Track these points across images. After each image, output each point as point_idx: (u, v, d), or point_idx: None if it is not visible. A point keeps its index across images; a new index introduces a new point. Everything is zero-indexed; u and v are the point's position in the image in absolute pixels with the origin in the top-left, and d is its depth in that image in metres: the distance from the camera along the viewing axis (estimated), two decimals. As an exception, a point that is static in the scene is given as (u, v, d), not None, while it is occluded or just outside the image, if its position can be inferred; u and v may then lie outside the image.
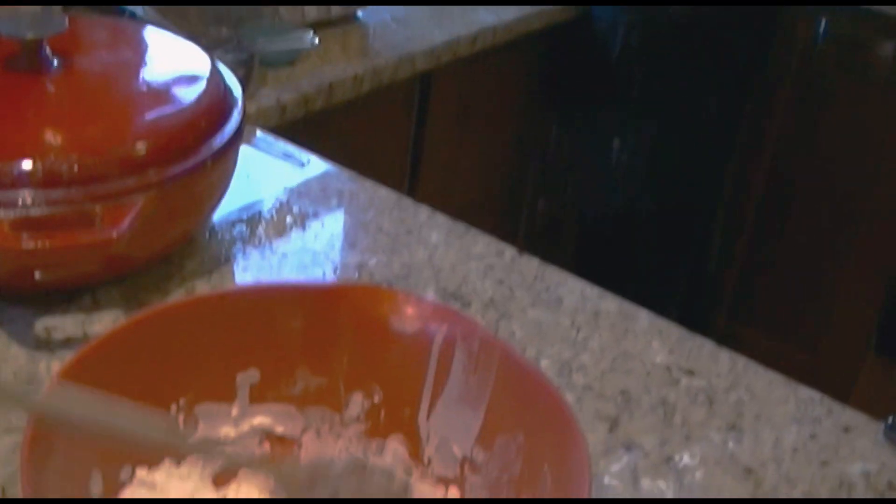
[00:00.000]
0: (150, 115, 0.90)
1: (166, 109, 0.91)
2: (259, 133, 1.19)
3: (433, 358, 0.64)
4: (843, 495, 0.76)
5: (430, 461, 0.65)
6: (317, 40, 1.65)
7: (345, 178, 1.11)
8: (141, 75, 0.95)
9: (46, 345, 0.80)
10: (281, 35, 1.65)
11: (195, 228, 0.95)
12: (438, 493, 0.65)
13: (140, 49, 1.00)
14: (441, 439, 0.65)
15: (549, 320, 0.90)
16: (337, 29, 1.80)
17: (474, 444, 0.63)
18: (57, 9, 1.03)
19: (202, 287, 0.89)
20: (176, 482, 0.63)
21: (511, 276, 0.96)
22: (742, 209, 2.34)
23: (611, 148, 2.29)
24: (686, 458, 0.77)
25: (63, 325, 0.83)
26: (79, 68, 0.91)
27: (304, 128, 1.51)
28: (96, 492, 0.59)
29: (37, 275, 0.82)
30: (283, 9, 1.70)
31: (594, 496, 0.54)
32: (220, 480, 0.65)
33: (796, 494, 0.75)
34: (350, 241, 1.00)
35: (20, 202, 0.79)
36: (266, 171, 1.10)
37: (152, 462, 0.62)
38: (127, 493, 0.61)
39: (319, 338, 0.65)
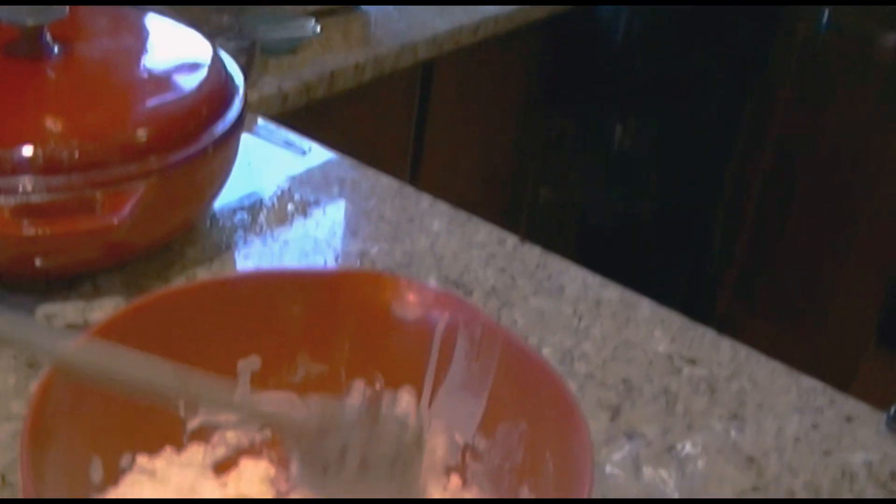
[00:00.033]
0: (152, 102, 0.90)
1: (167, 96, 0.91)
2: (260, 121, 1.18)
3: (435, 345, 0.63)
4: (846, 485, 0.75)
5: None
6: (318, 28, 1.65)
7: (346, 167, 1.10)
8: (142, 62, 0.95)
9: (47, 331, 0.80)
10: (282, 23, 1.64)
11: (196, 216, 0.94)
12: (440, 481, 0.64)
13: (141, 36, 1.00)
14: (443, 427, 0.64)
15: (551, 309, 0.90)
16: (338, 17, 1.79)
17: (476, 432, 0.62)
18: None
19: (203, 274, 0.89)
20: (176, 469, 0.63)
21: (513, 264, 0.96)
22: (744, 201, 2.34)
23: (613, 137, 2.28)
24: (688, 447, 0.77)
25: (63, 312, 0.82)
26: (79, 55, 0.91)
27: (305, 116, 1.50)
28: (96, 479, 0.58)
29: (37, 261, 0.82)
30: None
31: (596, 485, 0.54)
32: (220, 468, 0.65)
33: (798, 484, 0.75)
34: (352, 229, 1.00)
35: (21, 189, 0.78)
36: (267, 159, 1.10)
37: (153, 449, 0.62)
38: (127, 481, 0.60)
39: (321, 325, 0.64)
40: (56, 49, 0.88)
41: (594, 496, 0.52)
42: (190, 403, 0.63)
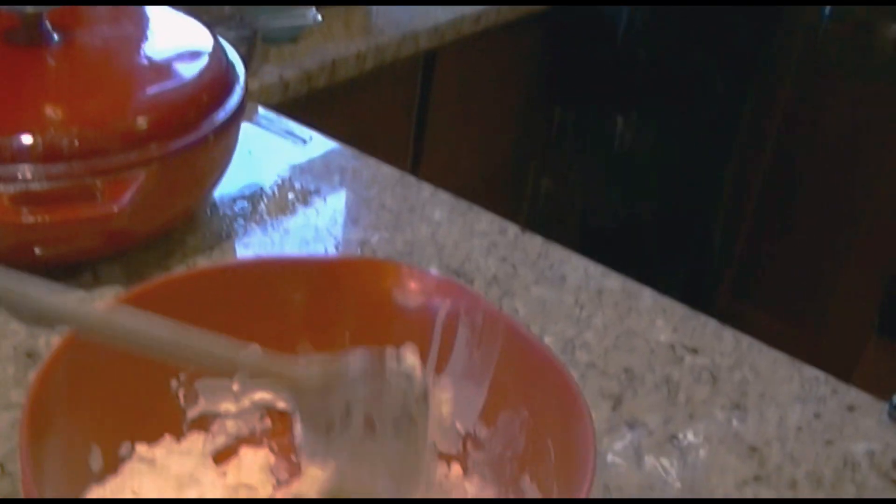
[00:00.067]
0: (152, 90, 0.89)
1: (168, 84, 0.90)
2: (261, 110, 1.18)
3: (436, 333, 0.63)
4: (847, 474, 0.75)
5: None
6: (320, 17, 1.65)
7: (347, 155, 1.10)
8: (142, 50, 0.95)
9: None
10: (284, 12, 1.64)
11: (197, 204, 0.94)
12: (440, 470, 0.64)
13: (141, 24, 0.99)
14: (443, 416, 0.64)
15: (553, 298, 0.90)
16: (340, 6, 1.79)
17: (477, 420, 0.62)
18: None
19: (203, 263, 0.89)
20: (176, 458, 0.63)
21: (514, 253, 0.95)
22: (745, 193, 2.33)
23: (614, 129, 2.28)
24: (690, 437, 0.77)
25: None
26: (79, 42, 0.91)
27: (306, 105, 1.50)
28: (96, 467, 0.58)
29: (37, 250, 0.82)
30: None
31: (597, 474, 0.54)
32: (220, 457, 0.64)
33: (800, 473, 0.75)
34: (352, 218, 1.00)
35: (20, 176, 0.78)
36: (268, 148, 1.09)
37: (152, 438, 0.62)
38: (126, 469, 0.60)
39: (322, 312, 0.64)
40: (56, 36, 0.88)
41: (595, 485, 0.51)
42: (189, 381, 0.62)
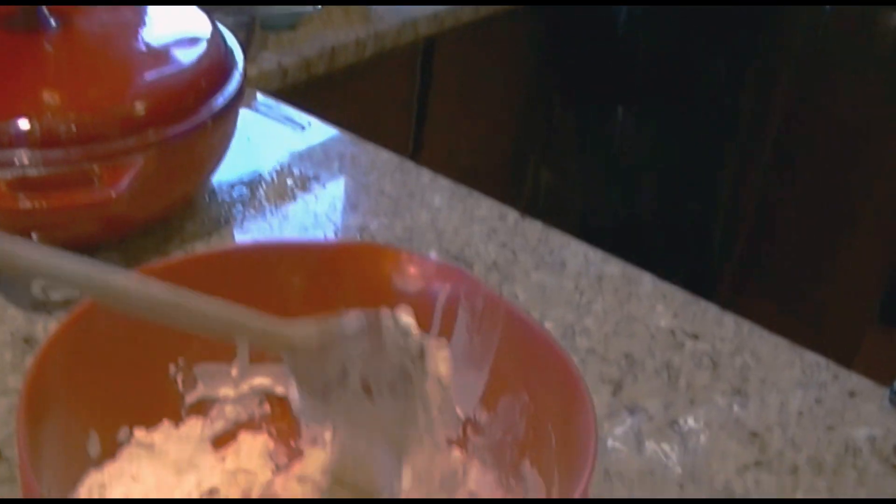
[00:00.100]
0: (150, 76, 0.89)
1: (166, 70, 0.90)
2: (260, 97, 1.18)
3: (436, 318, 0.62)
4: (849, 460, 0.75)
5: (432, 423, 0.64)
6: (319, 4, 1.64)
7: (346, 142, 1.10)
8: (140, 36, 0.94)
9: (44, 306, 0.79)
10: (283, -2, 1.63)
11: (195, 190, 0.94)
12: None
13: (140, 10, 0.99)
14: (444, 400, 0.64)
15: (553, 284, 0.90)
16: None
17: (478, 405, 0.62)
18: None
19: (202, 249, 0.88)
20: (174, 443, 0.62)
21: (514, 239, 0.95)
22: (747, 182, 2.33)
23: (615, 119, 2.27)
24: (691, 422, 0.76)
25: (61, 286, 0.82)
26: (78, 28, 0.90)
27: (305, 92, 1.49)
28: (94, 453, 0.58)
29: (34, 236, 0.81)
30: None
31: (598, 459, 0.54)
32: (219, 442, 0.64)
33: (802, 459, 0.75)
34: (352, 204, 0.99)
35: (17, 162, 0.78)
36: (267, 135, 1.09)
37: (150, 423, 0.62)
38: (125, 455, 0.60)
39: (321, 297, 0.63)
40: (53, 22, 0.87)
41: (596, 470, 0.51)
42: (188, 365, 0.62)
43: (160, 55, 0.92)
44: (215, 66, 0.91)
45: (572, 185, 2.36)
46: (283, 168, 1.02)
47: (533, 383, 0.59)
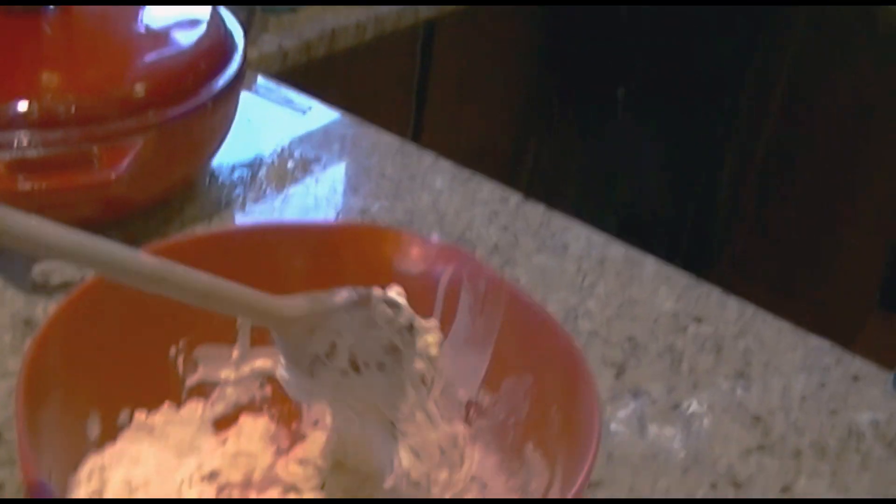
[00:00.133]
0: (150, 57, 0.89)
1: (166, 51, 0.90)
2: (260, 79, 1.17)
3: (438, 300, 0.62)
4: (852, 444, 0.75)
5: (434, 405, 0.64)
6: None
7: (347, 124, 1.09)
8: (140, 17, 0.93)
9: (44, 288, 0.79)
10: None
11: (195, 172, 0.93)
12: (447, 429, 0.63)
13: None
14: (446, 382, 0.63)
15: (555, 266, 0.89)
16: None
17: (480, 387, 0.62)
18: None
19: (202, 230, 0.88)
20: (175, 427, 0.62)
21: (516, 222, 0.95)
22: (747, 166, 2.32)
23: (616, 98, 2.27)
24: (694, 406, 0.76)
25: (61, 268, 0.81)
26: (77, 9, 0.89)
27: (306, 75, 1.49)
28: (94, 435, 0.58)
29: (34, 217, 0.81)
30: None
31: (601, 442, 0.53)
32: (220, 424, 0.64)
33: (805, 443, 0.74)
34: (353, 186, 0.99)
35: (16, 143, 0.77)
36: (267, 117, 1.08)
37: (151, 405, 0.61)
38: (125, 437, 0.60)
39: (322, 279, 0.63)
40: (52, 3, 0.87)
41: (599, 453, 0.51)
42: (188, 348, 0.62)
43: (160, 36, 0.91)
44: (215, 47, 0.91)
45: (572, 165, 2.35)
46: (284, 150, 1.01)
47: (536, 365, 0.59)
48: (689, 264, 0.95)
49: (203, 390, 0.63)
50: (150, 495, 0.58)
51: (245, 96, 0.96)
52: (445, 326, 0.63)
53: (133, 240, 0.83)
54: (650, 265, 0.91)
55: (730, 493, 0.69)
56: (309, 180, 0.97)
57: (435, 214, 0.94)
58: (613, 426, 0.73)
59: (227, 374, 0.63)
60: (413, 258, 0.63)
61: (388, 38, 1.74)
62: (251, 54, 1.25)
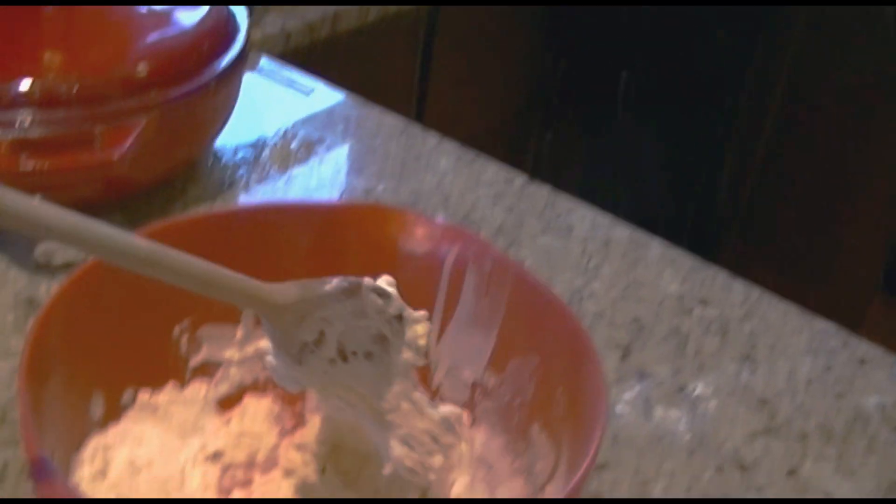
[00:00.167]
0: (153, 37, 0.88)
1: (169, 31, 0.89)
2: (264, 60, 1.16)
3: (443, 280, 0.62)
4: (859, 428, 0.74)
5: (439, 387, 0.64)
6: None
7: (351, 105, 1.09)
8: (143, -3, 0.93)
9: (47, 268, 0.78)
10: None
11: (198, 153, 0.93)
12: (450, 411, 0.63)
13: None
14: (451, 364, 0.63)
15: (560, 248, 0.89)
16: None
17: (486, 369, 0.61)
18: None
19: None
20: (179, 406, 0.62)
21: (521, 203, 0.94)
22: (751, 147, 2.31)
23: (618, 81, 2.26)
24: (699, 388, 0.76)
25: (64, 248, 0.81)
26: (80, -12, 0.89)
27: (308, 56, 1.48)
28: (97, 415, 0.57)
29: (36, 197, 0.80)
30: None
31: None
32: (224, 405, 0.63)
33: (811, 426, 0.74)
34: (357, 167, 0.98)
35: (19, 123, 0.77)
36: (271, 98, 1.08)
37: (155, 385, 0.61)
38: (129, 417, 0.59)
39: (326, 258, 0.63)
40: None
41: (604, 436, 0.50)
42: (192, 328, 0.61)
43: (163, 16, 0.90)
44: (219, 27, 0.90)
45: (575, 146, 2.35)
46: (288, 131, 1.01)
47: (542, 346, 0.58)
48: (691, 248, 0.94)
49: (207, 370, 0.63)
50: (153, 475, 0.57)
51: (248, 77, 0.96)
52: (450, 307, 0.63)
53: (135, 220, 0.83)
54: (656, 247, 0.91)
55: (736, 477, 0.69)
56: (313, 161, 0.97)
57: (439, 195, 0.93)
58: (619, 408, 0.73)
59: (231, 354, 0.63)
60: (418, 238, 0.63)
61: (391, 20, 1.73)
62: (254, 35, 1.24)
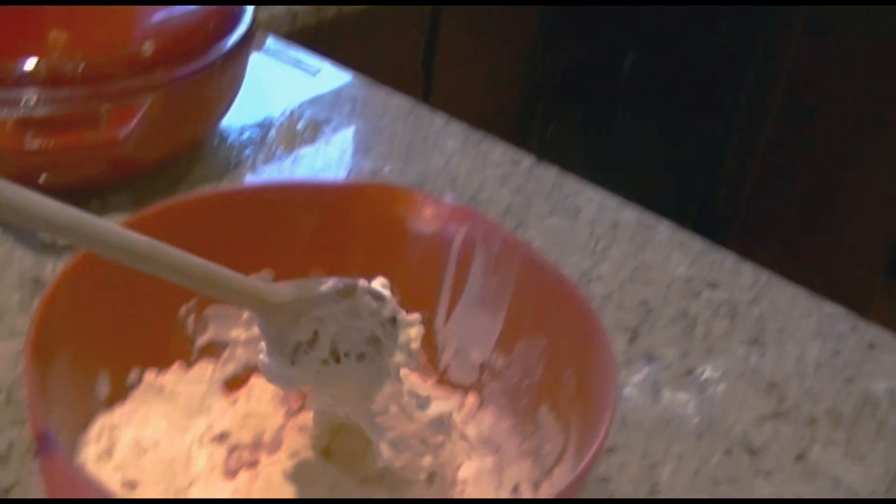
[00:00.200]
0: (159, 16, 0.88)
1: (175, 10, 0.89)
2: (270, 40, 1.16)
3: (451, 261, 0.61)
4: (868, 412, 0.74)
5: (447, 368, 0.63)
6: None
7: (358, 85, 1.08)
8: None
9: (53, 248, 0.78)
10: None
11: (204, 132, 0.92)
12: (455, 401, 0.63)
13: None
14: (459, 345, 0.63)
15: (567, 229, 0.88)
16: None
17: (494, 350, 0.61)
18: None
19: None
20: (185, 386, 0.61)
21: (528, 184, 0.94)
22: (756, 130, 2.31)
23: (622, 66, 2.25)
24: (708, 371, 0.75)
25: (69, 228, 0.81)
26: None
27: (315, 36, 1.47)
28: (103, 395, 0.57)
29: (41, 177, 0.80)
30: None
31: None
32: (231, 385, 0.63)
33: (820, 411, 0.73)
34: (363, 148, 0.98)
35: (24, 101, 0.77)
36: (277, 78, 1.07)
37: (161, 365, 0.61)
38: (135, 397, 0.59)
39: (334, 238, 0.62)
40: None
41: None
42: (199, 308, 0.61)
43: (169, -5, 0.90)
44: (225, 6, 0.90)
45: (580, 131, 2.34)
46: (294, 111, 1.01)
47: (551, 326, 0.58)
48: (696, 230, 0.94)
49: (213, 350, 0.63)
50: (159, 456, 0.57)
51: (255, 57, 0.95)
52: (458, 288, 0.62)
53: (140, 199, 0.84)
54: (664, 230, 0.90)
55: (744, 460, 0.69)
56: (319, 142, 0.96)
57: (447, 176, 0.93)
58: (627, 391, 0.72)
59: (237, 333, 0.63)
60: (426, 218, 0.62)
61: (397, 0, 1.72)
62: (261, 14, 1.23)
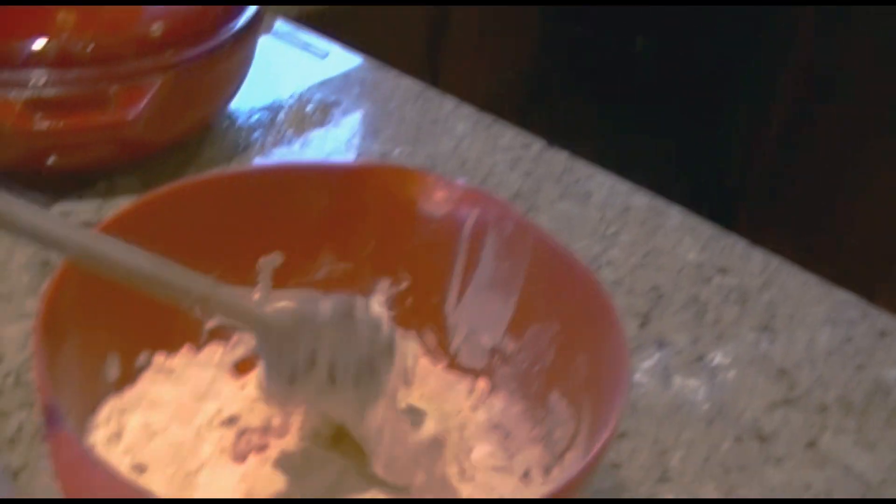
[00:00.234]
0: (168, -3, 0.87)
1: (184, -9, 0.88)
2: (279, 23, 1.15)
3: (463, 243, 0.61)
4: (879, 400, 0.74)
5: (457, 352, 0.63)
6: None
7: (367, 68, 1.07)
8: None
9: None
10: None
11: (213, 115, 0.92)
12: (465, 385, 0.63)
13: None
14: (470, 329, 0.62)
15: (578, 214, 0.88)
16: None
17: (505, 334, 0.60)
18: None
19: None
20: (194, 369, 0.61)
21: (538, 168, 0.93)
22: (766, 117, 2.30)
23: (633, 47, 2.24)
24: (718, 358, 0.75)
25: (79, 210, 0.81)
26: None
27: (322, 18, 1.47)
28: (112, 377, 0.57)
29: (51, 158, 0.80)
30: None
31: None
32: (240, 369, 0.63)
33: (830, 398, 0.73)
34: (373, 131, 0.97)
35: (33, 82, 0.76)
36: (286, 61, 1.07)
37: (170, 348, 0.60)
38: (144, 379, 0.59)
39: (345, 220, 0.62)
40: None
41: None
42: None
43: (178, -24, 0.90)
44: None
45: (590, 113, 2.34)
46: (303, 94, 1.00)
47: (563, 311, 0.57)
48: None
49: (223, 333, 0.62)
50: (168, 439, 0.57)
51: (263, 40, 0.95)
52: (469, 271, 0.62)
53: (149, 181, 0.83)
54: (675, 215, 0.90)
55: (754, 447, 0.68)
56: (328, 125, 0.96)
57: (456, 160, 0.93)
58: (638, 377, 0.72)
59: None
60: (437, 200, 0.62)
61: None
62: (269, -3, 1.23)
